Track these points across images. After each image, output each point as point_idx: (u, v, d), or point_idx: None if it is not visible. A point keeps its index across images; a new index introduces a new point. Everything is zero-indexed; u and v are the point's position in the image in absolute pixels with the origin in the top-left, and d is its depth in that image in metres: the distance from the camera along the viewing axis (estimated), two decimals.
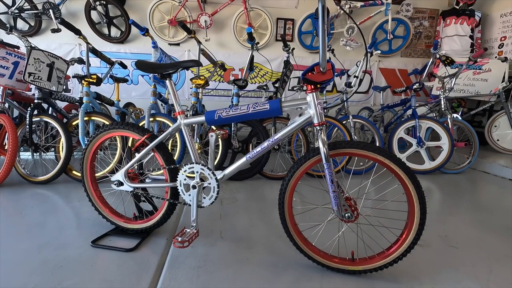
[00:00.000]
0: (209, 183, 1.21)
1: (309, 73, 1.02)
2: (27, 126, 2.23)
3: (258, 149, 1.15)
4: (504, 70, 3.65)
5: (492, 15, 4.18)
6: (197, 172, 1.21)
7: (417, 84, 2.91)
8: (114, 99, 2.95)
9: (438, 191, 2.33)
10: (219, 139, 2.30)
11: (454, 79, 2.98)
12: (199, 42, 2.63)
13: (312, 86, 1.03)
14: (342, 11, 4.10)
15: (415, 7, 4.43)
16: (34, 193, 2.06)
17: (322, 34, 0.91)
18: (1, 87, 2.28)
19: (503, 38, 4.04)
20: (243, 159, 1.17)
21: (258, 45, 2.62)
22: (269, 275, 1.15)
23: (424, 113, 3.36)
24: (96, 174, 1.52)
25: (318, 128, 1.04)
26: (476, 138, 2.89)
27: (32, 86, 2.25)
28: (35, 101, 2.30)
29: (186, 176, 1.23)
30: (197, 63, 1.22)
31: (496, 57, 4.04)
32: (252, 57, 2.53)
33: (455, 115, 3.05)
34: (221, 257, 1.26)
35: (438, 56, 3.01)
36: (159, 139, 1.28)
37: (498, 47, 4.09)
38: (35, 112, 2.27)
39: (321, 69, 0.98)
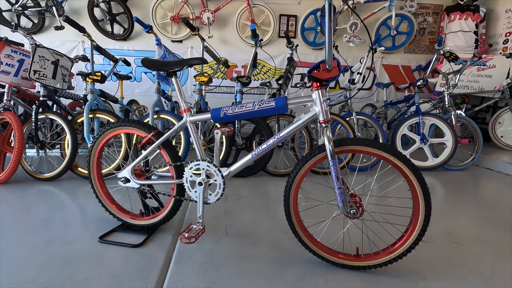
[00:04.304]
0: (215, 180, 1.23)
1: (315, 71, 1.02)
2: (33, 124, 2.25)
3: (264, 146, 1.15)
4: (509, 66, 3.63)
5: (497, 10, 4.14)
6: (203, 169, 1.23)
7: (420, 81, 2.90)
8: (118, 96, 2.96)
9: (441, 187, 2.33)
10: (224, 136, 2.31)
11: (458, 75, 2.97)
12: (202, 39, 2.63)
13: (318, 84, 1.04)
14: (345, 7, 4.07)
15: (419, 2, 4.40)
16: (40, 189, 2.08)
17: (329, 32, 0.91)
18: (7, 85, 2.30)
19: (508, 34, 4.01)
20: (249, 156, 1.18)
21: (261, 42, 2.61)
22: (274, 270, 1.16)
23: (428, 109, 3.35)
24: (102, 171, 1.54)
25: (324, 126, 1.04)
26: (480, 135, 2.88)
27: (37, 84, 2.27)
28: (41, 98, 2.31)
29: (192, 173, 1.24)
30: (203, 61, 1.23)
31: (500, 53, 4.01)
32: (255, 54, 2.53)
33: (458, 111, 3.04)
34: (226, 253, 1.28)
35: (442, 52, 3.00)
36: (166, 136, 1.29)
37: (503, 43, 4.06)
38: (41, 109, 2.29)
39: (327, 67, 0.99)
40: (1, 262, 1.18)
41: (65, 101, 3.14)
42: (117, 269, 1.15)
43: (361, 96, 4.61)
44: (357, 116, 2.79)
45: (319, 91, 1.04)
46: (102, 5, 3.80)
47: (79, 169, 2.34)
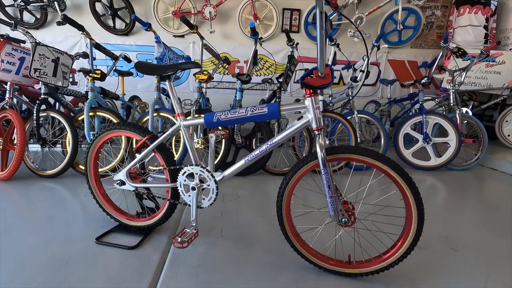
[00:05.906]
0: (208, 185, 1.23)
1: (308, 77, 1.00)
2: (35, 121, 2.27)
3: (257, 152, 1.15)
4: None
5: (509, 4, 3.99)
6: (197, 174, 1.23)
7: (425, 78, 2.84)
8: (119, 93, 2.96)
9: (443, 188, 2.30)
10: (223, 139, 2.30)
11: (464, 73, 2.89)
12: (201, 37, 2.60)
13: (311, 91, 1.02)
14: (350, 1, 3.97)
15: None
16: (42, 186, 2.12)
17: (320, 39, 0.89)
18: (9, 83, 2.32)
19: None
20: (242, 162, 1.18)
21: (261, 39, 2.58)
22: (267, 274, 1.17)
23: (433, 107, 3.28)
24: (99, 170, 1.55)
25: (317, 133, 1.03)
26: (485, 134, 2.81)
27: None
28: (42, 96, 2.33)
29: (186, 177, 1.25)
30: (196, 65, 1.21)
31: (511, 49, 3.88)
32: (255, 52, 2.50)
33: (464, 109, 2.97)
34: (220, 256, 1.29)
35: (450, 48, 2.91)
36: (160, 140, 1.29)
37: None
38: (42, 107, 2.31)
39: (320, 74, 0.97)
40: (1, 261, 1.21)
41: (69, 98, 3.16)
42: (113, 271, 1.17)
43: (365, 92, 4.53)
44: (358, 115, 2.75)
45: (312, 98, 1.03)
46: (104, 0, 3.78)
47: (80, 166, 2.37)
